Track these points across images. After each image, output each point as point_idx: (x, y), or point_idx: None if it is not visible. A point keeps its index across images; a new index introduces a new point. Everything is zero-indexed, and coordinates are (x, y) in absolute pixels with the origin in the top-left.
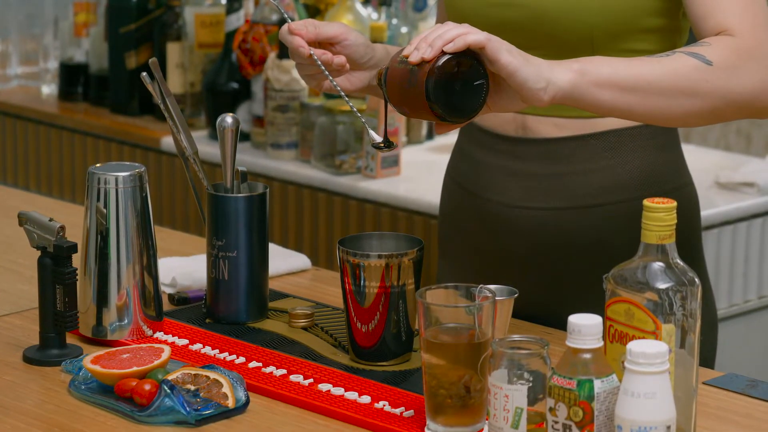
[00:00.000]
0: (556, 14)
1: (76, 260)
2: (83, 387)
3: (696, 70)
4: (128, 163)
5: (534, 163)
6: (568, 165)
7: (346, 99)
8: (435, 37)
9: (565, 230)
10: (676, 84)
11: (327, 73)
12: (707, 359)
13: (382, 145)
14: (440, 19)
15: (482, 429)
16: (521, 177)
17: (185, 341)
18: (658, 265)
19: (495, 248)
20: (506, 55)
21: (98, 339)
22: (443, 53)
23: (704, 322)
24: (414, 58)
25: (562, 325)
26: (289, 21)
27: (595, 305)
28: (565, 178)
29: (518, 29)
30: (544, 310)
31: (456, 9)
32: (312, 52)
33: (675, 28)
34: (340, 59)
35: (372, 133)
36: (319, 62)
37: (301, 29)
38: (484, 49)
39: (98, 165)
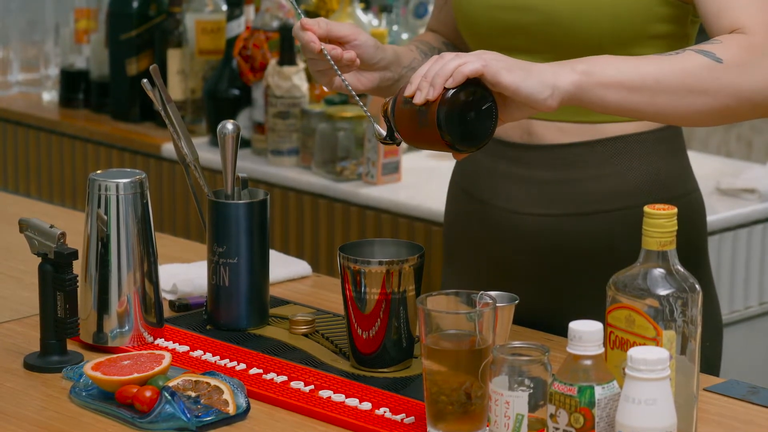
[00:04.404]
0: (566, 19)
1: (77, 267)
2: (84, 394)
3: (706, 69)
4: (129, 169)
5: (540, 169)
6: (574, 171)
7: (354, 95)
8: (433, 75)
9: (571, 237)
10: (685, 82)
11: (336, 68)
12: (712, 366)
13: (388, 139)
14: (435, 24)
15: None
16: (527, 183)
17: (186, 348)
18: (658, 271)
19: (500, 254)
20: (506, 75)
21: (99, 346)
22: (446, 89)
23: (710, 328)
24: (418, 99)
25: (567, 332)
26: (303, 16)
27: (601, 312)
28: (571, 184)
29: (527, 33)
30: (549, 317)
31: (464, 12)
32: (323, 47)
33: (683, 35)
34: (350, 54)
35: (377, 126)
36: (329, 57)
37: (312, 25)
38: (483, 76)
39: (99, 172)
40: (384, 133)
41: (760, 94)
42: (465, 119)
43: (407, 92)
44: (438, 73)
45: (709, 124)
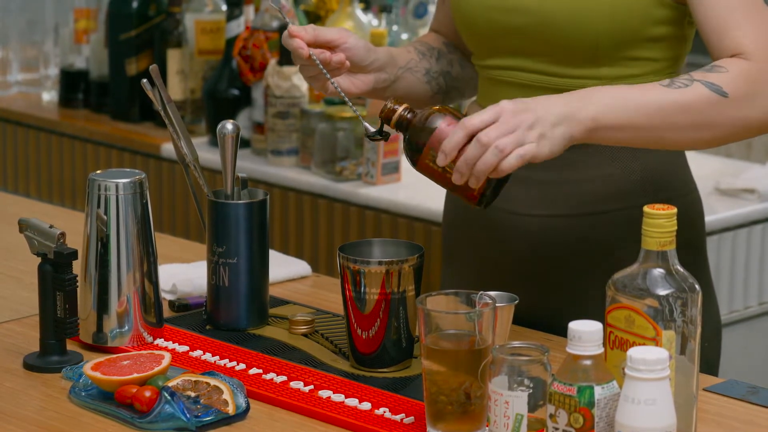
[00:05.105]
0: (563, 21)
1: (77, 267)
2: (83, 394)
3: (712, 104)
4: (128, 169)
5: (539, 170)
6: (573, 172)
7: (343, 96)
8: (472, 162)
9: (570, 237)
10: (692, 119)
11: (326, 72)
12: (711, 366)
13: (378, 136)
14: (436, 24)
15: None
16: (526, 184)
17: (185, 348)
18: (658, 271)
19: (500, 255)
20: (540, 153)
21: (99, 346)
22: (487, 178)
23: (708, 328)
24: (458, 181)
25: (566, 332)
26: (290, 24)
27: (600, 312)
28: (570, 185)
29: (524, 35)
30: (549, 317)
31: (462, 13)
32: (311, 52)
33: (680, 37)
34: (338, 57)
35: (366, 123)
36: (318, 61)
37: (300, 32)
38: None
39: (99, 172)
40: (372, 129)
41: (762, 121)
42: (496, 196)
43: (441, 162)
44: (480, 168)
45: (712, 147)
